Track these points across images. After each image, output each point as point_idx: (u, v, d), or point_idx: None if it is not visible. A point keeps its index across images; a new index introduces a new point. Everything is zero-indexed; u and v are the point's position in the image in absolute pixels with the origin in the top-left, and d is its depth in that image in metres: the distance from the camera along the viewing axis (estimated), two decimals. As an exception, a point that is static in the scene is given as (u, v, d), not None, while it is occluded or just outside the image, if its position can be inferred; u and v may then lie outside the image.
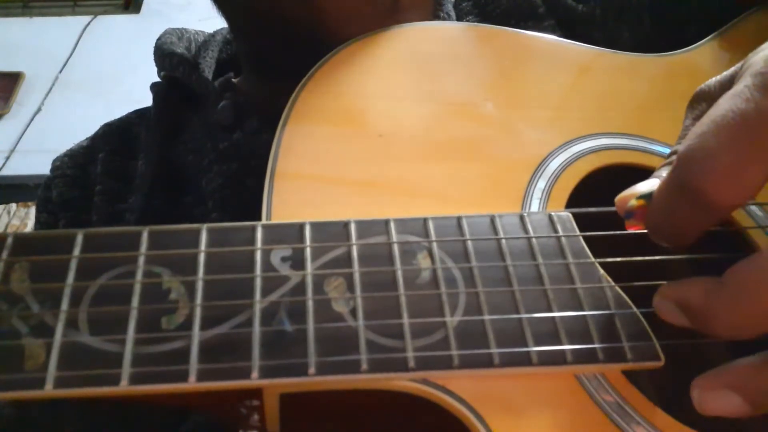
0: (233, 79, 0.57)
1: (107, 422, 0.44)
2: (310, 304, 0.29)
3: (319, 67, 0.41)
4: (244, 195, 0.47)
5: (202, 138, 0.52)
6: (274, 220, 0.34)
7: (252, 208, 0.35)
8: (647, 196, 0.30)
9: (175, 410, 0.43)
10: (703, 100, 0.31)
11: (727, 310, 0.26)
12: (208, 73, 0.56)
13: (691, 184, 0.26)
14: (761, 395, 0.26)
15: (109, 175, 0.55)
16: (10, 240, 0.29)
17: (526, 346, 0.29)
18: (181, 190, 0.52)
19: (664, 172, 0.30)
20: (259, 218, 0.33)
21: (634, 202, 0.30)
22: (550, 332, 0.30)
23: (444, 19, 0.54)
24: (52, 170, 0.58)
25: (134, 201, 0.52)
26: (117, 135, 0.58)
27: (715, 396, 0.27)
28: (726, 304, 0.26)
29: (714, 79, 0.31)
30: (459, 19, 0.55)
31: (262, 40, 0.51)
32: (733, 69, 0.30)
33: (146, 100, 0.59)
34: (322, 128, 0.39)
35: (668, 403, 0.31)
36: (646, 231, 0.30)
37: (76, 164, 0.57)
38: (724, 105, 0.26)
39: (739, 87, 0.27)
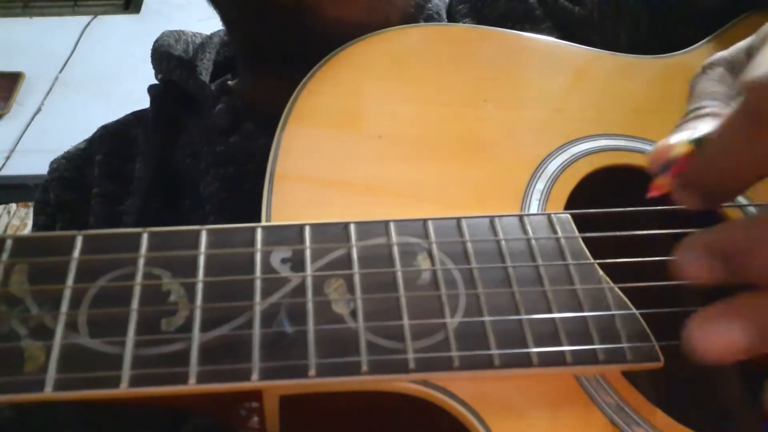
0: (229, 82, 0.57)
1: (106, 424, 0.44)
2: (310, 305, 0.29)
3: (319, 68, 0.41)
4: (241, 199, 0.47)
5: (199, 142, 0.52)
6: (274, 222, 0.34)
7: (249, 212, 0.35)
8: (699, 141, 0.27)
9: (174, 412, 0.43)
10: (718, 65, 0.30)
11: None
12: (206, 75, 0.56)
13: None
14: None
15: (106, 178, 0.55)
16: (9, 242, 0.29)
17: (527, 347, 0.29)
18: (179, 194, 0.52)
19: (701, 121, 0.27)
20: (257, 221, 0.33)
21: (680, 149, 0.27)
22: (550, 333, 0.30)
23: (430, 9, 0.54)
24: (49, 173, 0.58)
25: (131, 204, 0.52)
26: (114, 137, 0.58)
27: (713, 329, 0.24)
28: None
29: (724, 52, 0.30)
30: (455, 21, 0.55)
31: (255, 29, 0.51)
32: (746, 42, 0.29)
33: (146, 101, 0.59)
34: (321, 129, 0.39)
35: (668, 404, 0.31)
36: (670, 191, 0.28)
37: (73, 166, 0.57)
38: None
39: None
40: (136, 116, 0.60)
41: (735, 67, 0.29)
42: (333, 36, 0.43)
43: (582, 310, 0.31)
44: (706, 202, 0.28)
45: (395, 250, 0.31)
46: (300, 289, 0.29)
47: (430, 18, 0.54)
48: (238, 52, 0.57)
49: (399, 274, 0.30)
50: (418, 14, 0.51)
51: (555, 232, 0.33)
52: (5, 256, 0.29)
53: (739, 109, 0.25)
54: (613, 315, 0.31)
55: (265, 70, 0.53)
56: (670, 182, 0.28)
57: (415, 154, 0.38)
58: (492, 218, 0.33)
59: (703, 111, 0.29)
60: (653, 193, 0.29)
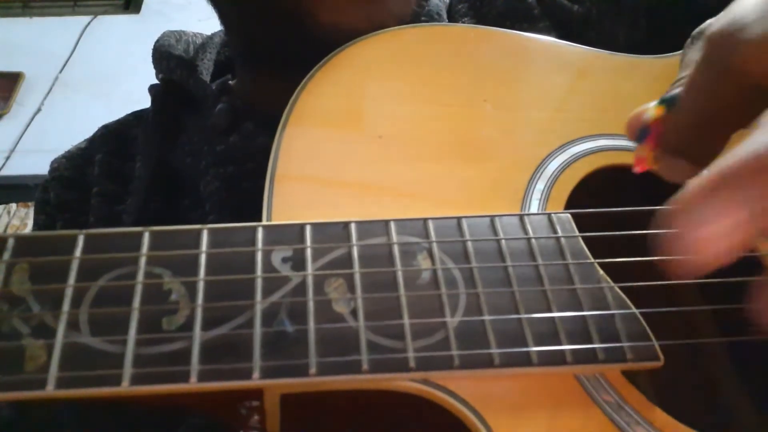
0: (230, 81, 0.57)
1: (106, 424, 0.44)
2: (310, 304, 0.29)
3: (318, 69, 0.41)
4: (241, 198, 0.47)
5: (199, 141, 0.52)
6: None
7: (249, 211, 0.35)
8: (669, 101, 0.27)
9: (174, 411, 0.43)
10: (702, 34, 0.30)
11: None
12: (206, 75, 0.56)
13: (731, 60, 0.24)
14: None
15: (106, 177, 0.55)
16: (11, 241, 0.29)
17: (526, 346, 0.29)
18: (179, 193, 0.52)
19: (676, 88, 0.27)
20: (257, 220, 0.33)
21: (653, 111, 0.27)
22: (549, 332, 0.30)
23: (430, 11, 0.54)
24: (49, 172, 0.58)
25: (131, 203, 0.52)
26: (114, 137, 0.58)
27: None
28: None
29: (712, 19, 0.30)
30: (454, 21, 0.56)
31: (254, 31, 0.51)
32: None
33: (146, 101, 0.59)
34: (321, 130, 0.39)
35: (668, 403, 0.31)
36: (654, 168, 0.28)
37: (74, 166, 0.58)
38: None
39: None
40: (136, 116, 0.60)
41: None
42: (331, 40, 0.43)
43: (582, 310, 0.31)
44: (694, 158, 0.27)
45: (395, 250, 0.31)
46: (300, 288, 0.29)
47: (430, 18, 0.54)
48: (236, 53, 0.58)
49: (399, 274, 0.30)
50: (415, 22, 0.52)
51: (555, 231, 0.33)
52: (7, 255, 0.29)
53: (700, 60, 0.26)
54: (613, 314, 0.31)
55: (264, 70, 0.54)
56: (649, 152, 0.28)
57: (415, 154, 0.38)
58: (492, 218, 0.33)
59: (683, 79, 0.29)
60: (637, 168, 0.29)
